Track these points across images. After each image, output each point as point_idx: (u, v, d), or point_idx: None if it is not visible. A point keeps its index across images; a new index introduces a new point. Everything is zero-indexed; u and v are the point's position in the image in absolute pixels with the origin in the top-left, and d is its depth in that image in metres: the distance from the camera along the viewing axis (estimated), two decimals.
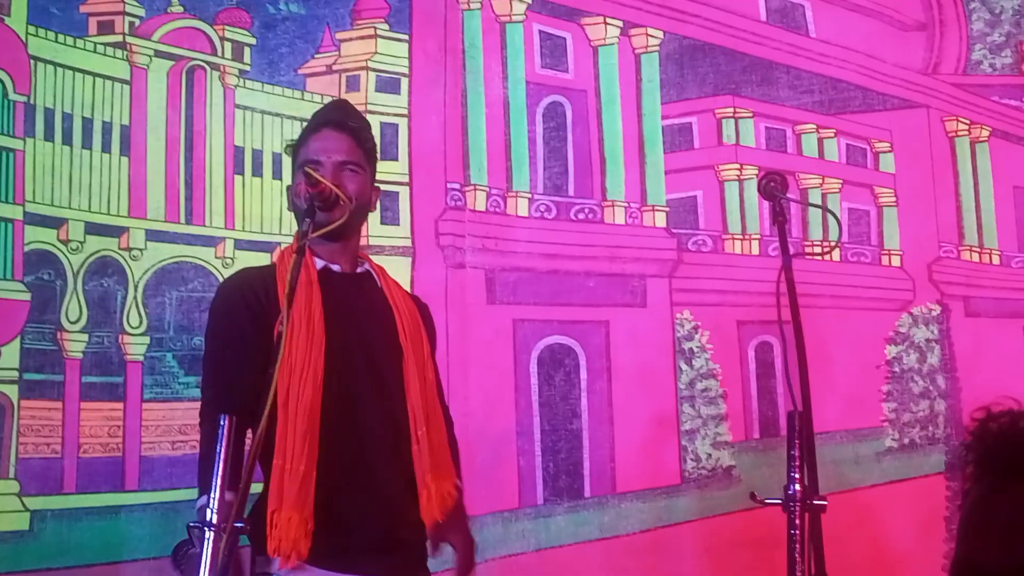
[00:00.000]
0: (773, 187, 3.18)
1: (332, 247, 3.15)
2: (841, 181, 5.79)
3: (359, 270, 3.22)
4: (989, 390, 5.22)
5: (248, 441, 2.87)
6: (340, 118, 3.24)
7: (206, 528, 2.55)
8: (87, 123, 5.37)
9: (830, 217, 5.37)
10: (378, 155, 3.33)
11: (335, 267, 3.17)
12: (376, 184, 3.31)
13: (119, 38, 5.46)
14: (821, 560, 2.81)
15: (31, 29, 5.31)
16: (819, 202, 5.72)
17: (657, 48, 5.67)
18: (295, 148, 3.24)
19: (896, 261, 5.77)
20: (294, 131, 5.58)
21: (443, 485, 3.08)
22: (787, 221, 3.17)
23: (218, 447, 2.60)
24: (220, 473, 2.59)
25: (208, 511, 2.57)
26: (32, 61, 5.29)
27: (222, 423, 2.61)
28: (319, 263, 3.14)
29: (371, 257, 3.38)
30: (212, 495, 2.59)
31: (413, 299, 3.34)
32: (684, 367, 5.46)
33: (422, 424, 3.08)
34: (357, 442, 3.05)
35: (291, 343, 2.95)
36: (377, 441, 3.07)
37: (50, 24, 5.37)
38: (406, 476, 3.07)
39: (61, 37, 5.38)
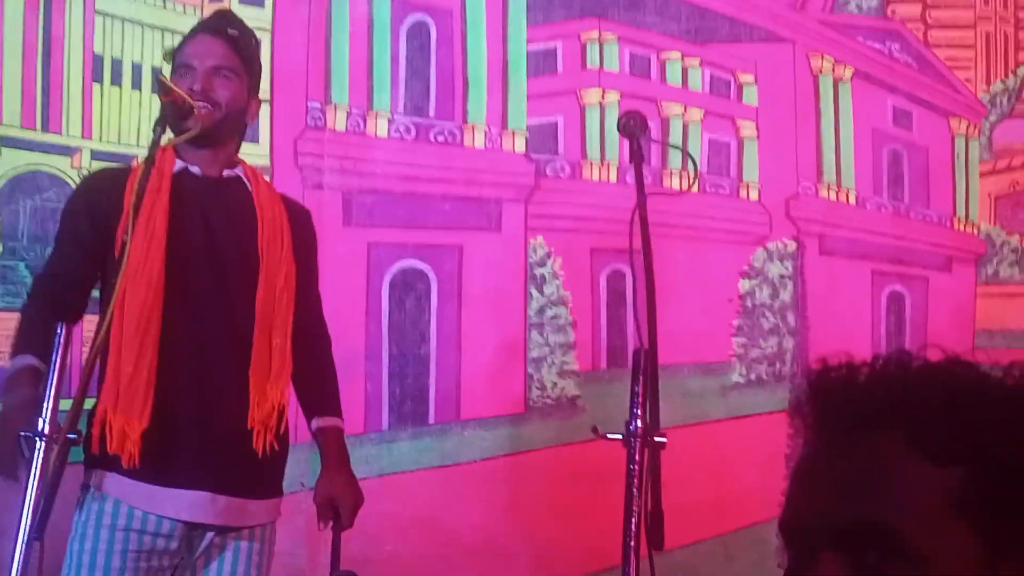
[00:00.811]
0: (632, 125, 3.24)
1: (202, 153, 3.16)
2: (703, 111, 5.84)
3: (226, 173, 3.21)
4: (836, 330, 5.38)
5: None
6: (217, 24, 3.25)
7: (37, 438, 2.59)
8: None
9: (691, 150, 5.43)
10: (260, 66, 3.34)
11: (194, 168, 3.16)
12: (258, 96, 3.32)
13: None
14: (658, 496, 2.88)
15: None
16: (680, 131, 5.76)
17: None
18: (173, 55, 3.23)
19: (754, 195, 5.85)
20: (155, 42, 5.49)
21: (269, 391, 3.07)
22: (643, 161, 3.20)
23: (53, 356, 2.67)
24: (54, 382, 2.64)
25: (40, 421, 2.61)
26: None
27: (57, 332, 2.68)
28: (179, 165, 3.12)
29: None
30: (45, 406, 2.62)
31: (289, 205, 3.33)
32: (535, 293, 5.50)
33: (258, 327, 3.09)
34: (195, 346, 3.08)
35: (132, 245, 2.93)
36: (216, 345, 3.10)
37: None
38: (245, 382, 3.06)
39: None
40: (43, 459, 2.58)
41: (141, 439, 2.95)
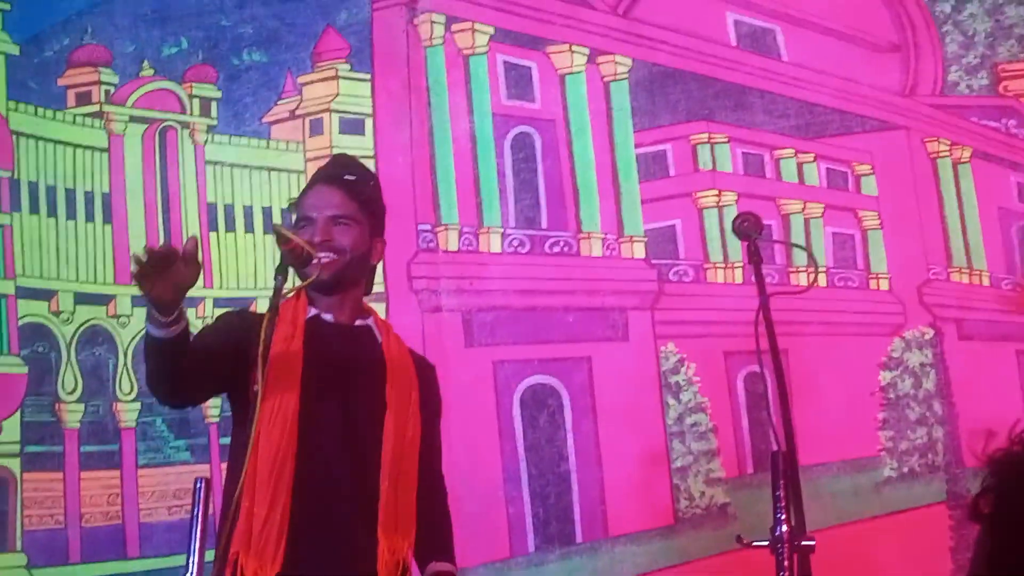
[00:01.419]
0: (747, 227, 3.22)
1: (331, 300, 3.20)
2: (823, 205, 5.82)
3: (358, 322, 3.25)
4: (986, 415, 5.26)
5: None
6: (333, 171, 3.29)
7: None
8: (70, 194, 5.55)
9: (813, 246, 5.41)
10: (382, 207, 3.36)
11: (327, 316, 3.20)
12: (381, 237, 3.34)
13: (96, 107, 5.64)
14: None
15: (11, 104, 5.48)
16: (802, 226, 5.75)
17: (626, 75, 5.73)
18: (295, 206, 3.29)
19: (884, 285, 5.78)
20: (261, 181, 5.69)
21: (397, 544, 3.09)
22: (762, 261, 3.19)
23: (194, 510, 2.70)
24: (197, 534, 2.68)
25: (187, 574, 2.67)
26: (14, 136, 5.43)
27: (197, 486, 2.71)
28: (311, 311, 3.18)
29: None
30: (191, 560, 2.68)
31: (416, 360, 3.34)
32: (671, 402, 5.48)
33: (388, 479, 3.09)
34: (324, 493, 3.07)
35: (264, 390, 2.99)
36: (344, 494, 3.08)
37: (29, 98, 5.57)
38: (372, 531, 3.09)
39: (40, 111, 5.57)
40: None
41: None
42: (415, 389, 3.23)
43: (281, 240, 2.98)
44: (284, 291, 2.96)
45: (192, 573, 2.66)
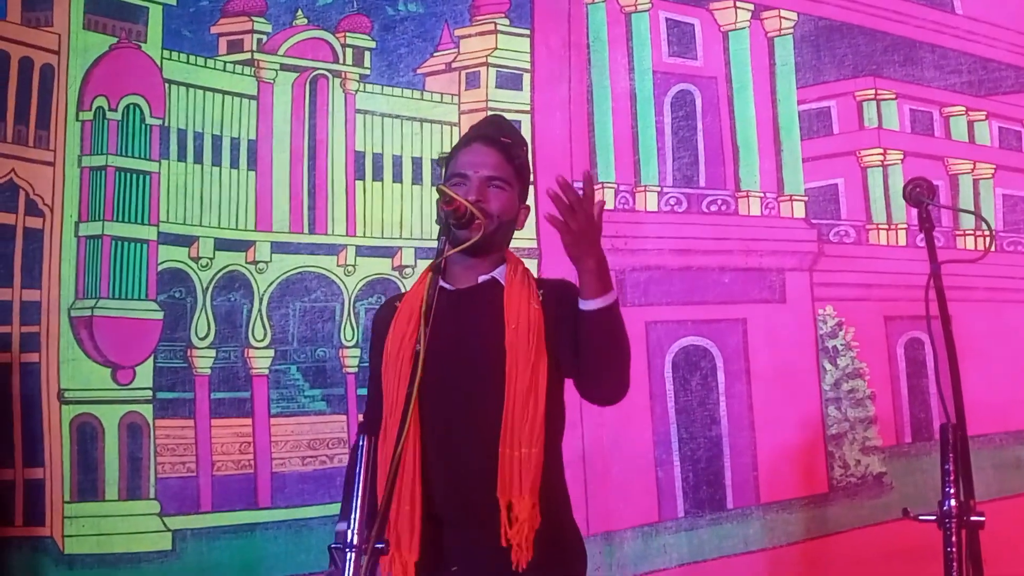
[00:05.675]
0: (919, 193, 3.24)
1: (471, 261, 3.26)
2: (994, 166, 5.76)
3: (481, 279, 3.27)
4: None
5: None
6: (491, 132, 3.35)
7: (347, 549, 2.73)
8: (216, 140, 5.69)
9: (983, 208, 5.35)
10: (531, 173, 3.42)
11: (447, 286, 3.24)
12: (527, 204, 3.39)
13: (247, 55, 5.79)
14: None
15: (165, 53, 5.64)
16: (970, 188, 5.71)
17: (791, 30, 5.74)
18: (447, 161, 3.36)
19: None
20: (413, 132, 5.81)
21: (517, 507, 3.08)
22: (933, 228, 3.22)
23: (357, 469, 2.80)
24: (360, 494, 2.76)
25: (349, 532, 2.74)
26: (166, 84, 5.61)
27: (361, 443, 2.82)
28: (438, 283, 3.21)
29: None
30: (352, 516, 2.75)
31: (548, 287, 3.29)
32: (828, 367, 5.50)
33: (507, 441, 3.11)
34: (451, 465, 3.15)
35: (386, 373, 3.17)
36: (470, 463, 3.13)
37: (182, 47, 5.73)
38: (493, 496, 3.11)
39: (193, 58, 5.73)
40: (353, 570, 2.70)
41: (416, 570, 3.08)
42: (536, 328, 3.17)
43: (445, 200, 3.09)
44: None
45: (354, 531, 2.73)
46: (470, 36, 5.84)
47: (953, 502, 2.86)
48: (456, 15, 5.86)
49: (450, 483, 3.13)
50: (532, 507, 3.08)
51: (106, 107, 5.58)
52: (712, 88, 5.73)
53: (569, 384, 3.26)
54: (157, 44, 5.70)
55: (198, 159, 5.70)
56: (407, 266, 5.66)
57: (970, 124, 5.78)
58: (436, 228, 3.17)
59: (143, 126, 5.65)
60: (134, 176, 5.59)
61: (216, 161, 5.71)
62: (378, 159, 5.80)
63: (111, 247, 5.54)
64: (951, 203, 5.62)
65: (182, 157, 5.68)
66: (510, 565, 3.06)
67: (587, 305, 3.06)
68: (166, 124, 5.67)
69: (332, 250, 5.73)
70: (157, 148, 5.65)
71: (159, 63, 5.69)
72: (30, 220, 5.50)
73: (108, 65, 5.66)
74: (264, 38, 5.85)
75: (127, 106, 5.61)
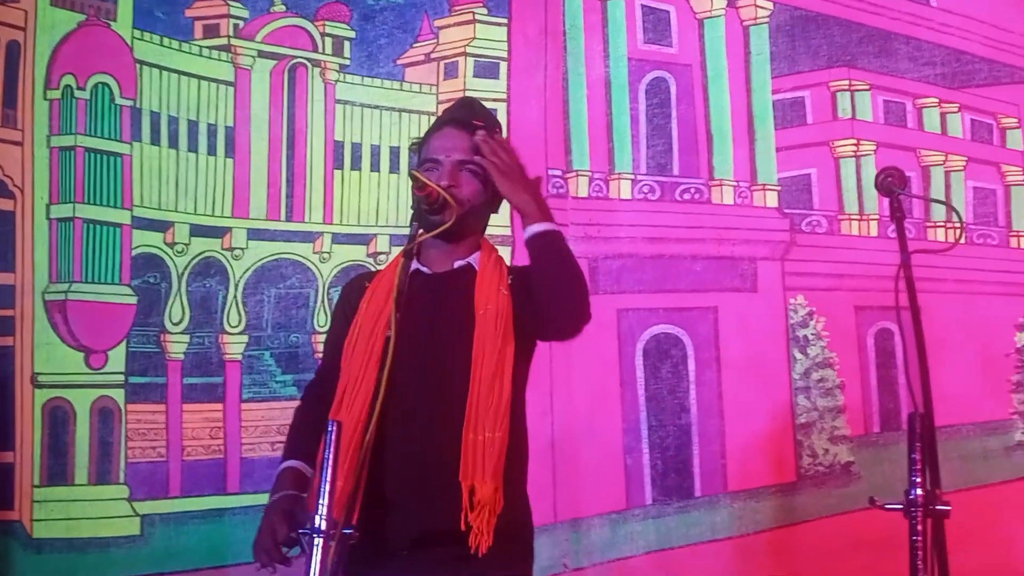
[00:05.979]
0: (891, 182, 3.25)
1: (448, 246, 3.26)
2: (966, 158, 5.80)
3: (457, 264, 3.27)
4: None
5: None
6: (463, 115, 3.33)
7: (314, 534, 2.72)
8: (192, 126, 5.67)
9: (953, 199, 5.37)
10: None
11: (424, 269, 3.26)
12: None
13: (224, 40, 5.78)
14: (945, 568, 2.91)
15: (136, 33, 5.63)
16: (942, 179, 5.74)
17: (767, 20, 5.76)
18: (419, 146, 3.35)
19: None
20: (392, 123, 5.82)
21: (479, 490, 3.05)
22: (904, 217, 3.24)
23: (327, 454, 2.77)
24: (328, 478, 2.74)
25: (316, 517, 2.73)
26: (138, 65, 5.58)
27: (330, 428, 2.78)
28: (413, 266, 3.21)
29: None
30: (320, 501, 2.74)
31: (518, 273, 3.26)
32: (798, 356, 5.53)
33: (470, 424, 3.09)
34: (411, 451, 3.11)
35: (352, 349, 3.17)
36: (434, 448, 3.11)
37: (155, 28, 5.69)
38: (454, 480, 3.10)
39: (167, 41, 5.70)
40: (321, 555, 2.69)
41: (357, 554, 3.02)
42: (504, 315, 3.17)
43: (417, 185, 3.09)
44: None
45: (322, 516, 2.72)
46: (449, 26, 5.84)
47: (919, 491, 2.88)
48: (435, 5, 5.86)
49: (408, 466, 3.10)
50: (495, 491, 3.06)
51: (74, 85, 5.54)
52: (687, 76, 5.75)
53: (536, 372, 3.28)
54: (128, 23, 5.65)
55: (173, 144, 5.67)
56: (382, 253, 5.67)
57: (943, 116, 5.82)
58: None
59: (112, 106, 5.62)
60: (105, 158, 5.55)
61: (192, 147, 5.69)
62: (357, 148, 5.81)
63: (83, 230, 5.51)
64: (923, 195, 5.64)
65: (156, 141, 5.66)
66: (467, 549, 3.03)
67: (531, 230, 3.13)
68: (138, 106, 5.63)
69: (308, 237, 5.74)
70: (128, 130, 5.61)
71: (129, 42, 5.65)
72: (1, 202, 5.46)
73: (76, 42, 5.60)
74: (241, 23, 5.82)
75: (96, 85, 5.56)
